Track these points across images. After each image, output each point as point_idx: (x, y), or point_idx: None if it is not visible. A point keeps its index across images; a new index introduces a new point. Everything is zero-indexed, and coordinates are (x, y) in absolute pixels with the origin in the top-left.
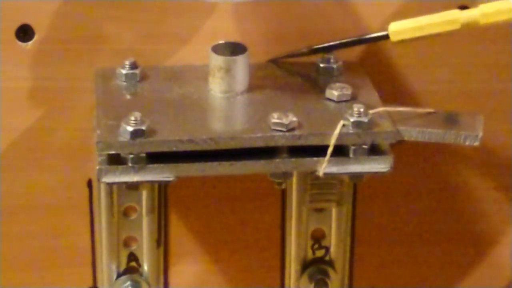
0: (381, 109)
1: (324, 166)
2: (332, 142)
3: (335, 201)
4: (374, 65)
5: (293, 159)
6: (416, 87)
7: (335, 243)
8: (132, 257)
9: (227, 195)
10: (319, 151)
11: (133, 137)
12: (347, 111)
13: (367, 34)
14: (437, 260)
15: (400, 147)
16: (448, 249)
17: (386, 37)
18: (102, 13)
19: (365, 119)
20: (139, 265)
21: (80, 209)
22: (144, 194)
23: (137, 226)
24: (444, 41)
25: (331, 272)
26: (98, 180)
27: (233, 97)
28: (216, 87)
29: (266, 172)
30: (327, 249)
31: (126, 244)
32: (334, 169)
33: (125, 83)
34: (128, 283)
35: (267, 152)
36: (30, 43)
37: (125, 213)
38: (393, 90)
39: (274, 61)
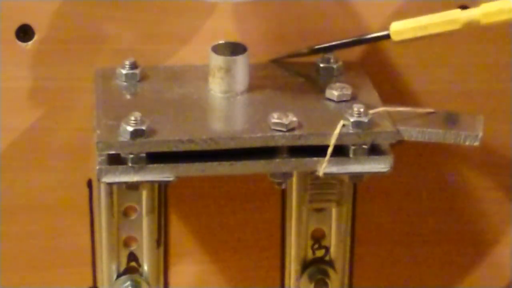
0: (381, 109)
1: (324, 166)
2: (332, 142)
3: (335, 201)
4: (374, 65)
5: (293, 159)
6: (416, 87)
7: (335, 243)
8: (132, 257)
9: (227, 195)
10: (319, 151)
11: (133, 137)
12: (347, 111)
13: (368, 34)
14: (437, 260)
15: (400, 147)
16: (448, 249)
17: (387, 37)
18: (102, 13)
19: (365, 119)
20: (139, 265)
21: (80, 209)
22: (144, 194)
23: (137, 226)
24: (444, 41)
25: (331, 272)
26: (98, 180)
27: (233, 97)
28: (216, 87)
29: (266, 172)
30: (327, 249)
31: (126, 244)
32: (334, 169)
33: (125, 83)
34: (128, 283)
35: (267, 152)
36: (30, 43)
37: (125, 213)
38: (393, 90)
39: (276, 61)
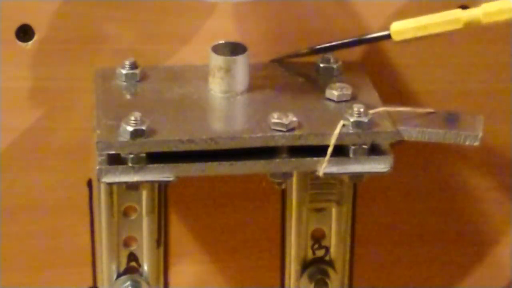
0: (381, 109)
1: (324, 166)
2: (332, 142)
3: (335, 201)
4: (374, 65)
5: (293, 159)
6: (416, 87)
7: (335, 243)
8: (132, 257)
9: (227, 195)
10: (319, 151)
11: (133, 137)
12: (347, 111)
13: (369, 34)
14: (437, 260)
15: (400, 147)
16: (448, 249)
17: (388, 37)
18: (102, 13)
19: (365, 119)
20: (139, 265)
21: (80, 209)
22: (144, 194)
23: (137, 226)
24: (444, 41)
25: (331, 272)
26: (98, 180)
27: (233, 97)
28: (216, 87)
29: (266, 172)
30: (327, 249)
31: (126, 244)
32: (334, 169)
33: (125, 83)
34: (128, 283)
35: (267, 152)
36: (30, 43)
37: (125, 213)
38: (393, 90)
39: (277, 61)
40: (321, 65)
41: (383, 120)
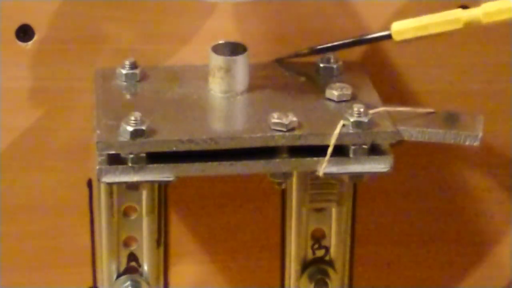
0: (381, 109)
1: (324, 166)
2: (332, 142)
3: (335, 201)
4: (374, 65)
5: (293, 159)
6: (416, 87)
7: (335, 243)
8: (132, 257)
9: (227, 195)
10: (319, 151)
11: (133, 137)
12: (347, 111)
13: (369, 34)
14: (437, 260)
15: (400, 147)
16: (448, 249)
17: (389, 37)
18: (102, 13)
19: (365, 119)
20: (139, 265)
21: (80, 209)
22: (144, 194)
23: (137, 226)
24: (444, 41)
25: (331, 272)
26: (98, 180)
27: (233, 97)
28: (216, 87)
29: (266, 172)
30: (327, 249)
31: (126, 244)
32: (334, 169)
33: (125, 83)
34: (128, 283)
35: (267, 152)
36: (30, 43)
37: (125, 213)
38: (393, 90)
39: (278, 62)
40: (321, 65)
41: (383, 120)
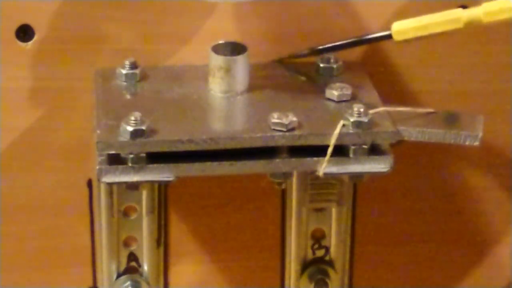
0: (381, 109)
1: (324, 166)
2: (332, 142)
3: (335, 201)
4: (374, 65)
5: (293, 159)
6: (416, 87)
7: (335, 243)
8: (132, 257)
9: (227, 195)
10: (319, 151)
11: (133, 137)
12: (347, 111)
13: (369, 34)
14: (437, 260)
15: (400, 147)
16: (448, 249)
17: (389, 37)
18: (102, 13)
19: (365, 119)
20: (139, 265)
21: (80, 209)
22: (144, 194)
23: (137, 226)
24: (444, 41)
25: (331, 272)
26: (98, 180)
27: (233, 97)
28: (216, 87)
29: (266, 172)
30: (327, 249)
31: (126, 244)
32: (334, 169)
33: (125, 83)
34: (128, 283)
35: (267, 152)
36: (30, 43)
37: (125, 213)
38: (393, 90)
39: (280, 62)
40: (321, 65)
41: (383, 120)
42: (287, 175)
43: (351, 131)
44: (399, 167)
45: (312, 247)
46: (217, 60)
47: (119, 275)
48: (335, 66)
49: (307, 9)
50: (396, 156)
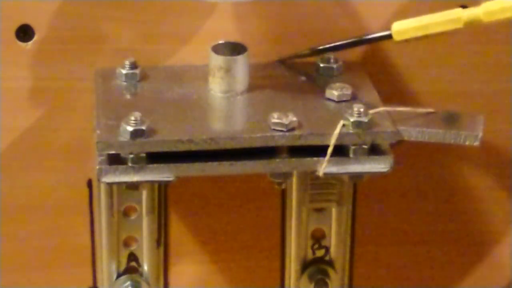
0: (381, 109)
1: (324, 166)
2: (332, 142)
3: (335, 201)
4: (374, 65)
5: (293, 159)
6: (416, 87)
7: (335, 243)
8: (132, 257)
9: (227, 195)
10: (319, 151)
11: (133, 137)
12: (347, 111)
13: (369, 34)
14: (437, 260)
15: (400, 147)
16: (448, 249)
17: (389, 36)
18: (102, 13)
19: (365, 119)
20: (139, 265)
21: (80, 209)
22: (144, 194)
23: (137, 226)
24: (444, 41)
25: (331, 272)
26: (98, 180)
27: (233, 97)
28: (216, 87)
29: (266, 172)
30: (327, 249)
31: (126, 244)
32: (334, 169)
33: (125, 83)
34: (128, 283)
35: (267, 152)
36: (30, 43)
37: (125, 213)
38: (393, 90)
39: (280, 62)
40: (321, 65)
41: (383, 120)
42: (287, 175)
43: (351, 131)
44: (399, 167)
45: (312, 247)
46: (217, 60)
47: (119, 275)
48: (335, 66)
49: (307, 9)
50: (396, 156)
